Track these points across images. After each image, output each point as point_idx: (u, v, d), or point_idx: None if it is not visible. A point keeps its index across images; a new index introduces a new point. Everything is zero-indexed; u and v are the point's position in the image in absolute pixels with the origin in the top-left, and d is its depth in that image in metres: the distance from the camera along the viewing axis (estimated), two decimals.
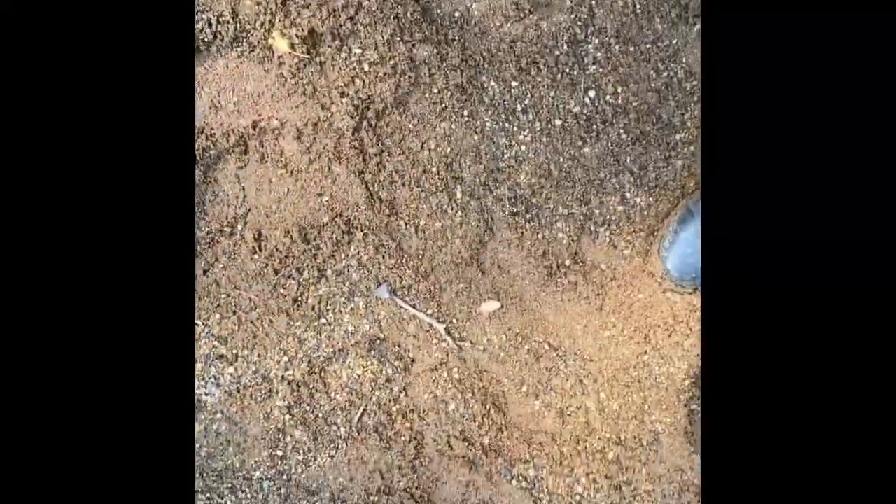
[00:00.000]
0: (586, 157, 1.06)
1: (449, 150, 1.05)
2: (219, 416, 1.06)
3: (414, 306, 1.08)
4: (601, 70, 1.04)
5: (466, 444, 1.08)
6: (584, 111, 1.04)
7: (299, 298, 1.06)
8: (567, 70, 1.03)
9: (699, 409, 1.09)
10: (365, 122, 1.03)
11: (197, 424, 1.06)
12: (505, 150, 1.06)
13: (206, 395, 1.07)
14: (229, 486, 1.06)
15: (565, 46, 1.03)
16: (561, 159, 1.06)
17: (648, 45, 1.03)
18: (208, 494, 1.06)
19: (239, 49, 1.01)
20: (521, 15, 1.02)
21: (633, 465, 1.09)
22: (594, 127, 1.05)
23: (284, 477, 1.07)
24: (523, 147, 1.05)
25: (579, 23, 1.03)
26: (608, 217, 1.07)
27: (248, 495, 1.06)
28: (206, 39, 0.99)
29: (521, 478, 1.08)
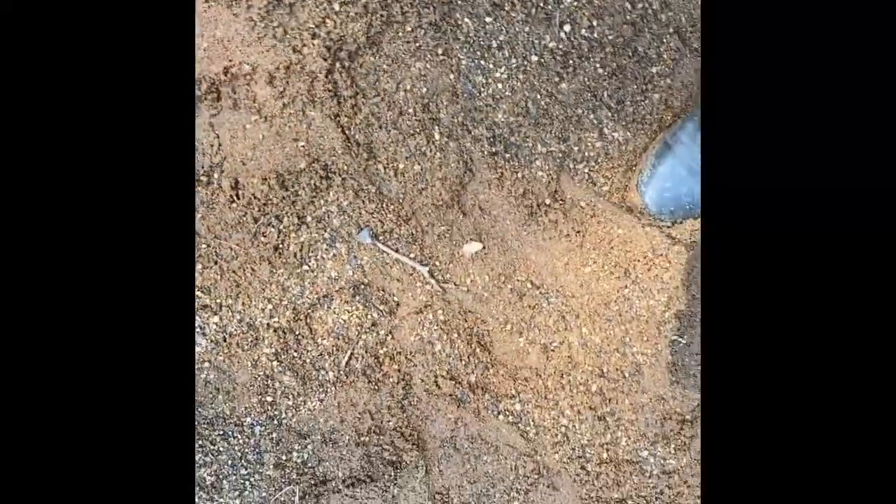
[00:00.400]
0: (563, 93, 1.05)
1: (425, 90, 1.04)
2: (206, 365, 1.07)
3: (397, 250, 1.08)
4: (576, 3, 1.02)
5: (453, 382, 1.10)
6: (560, 46, 1.03)
7: (280, 246, 1.06)
8: (541, 4, 1.02)
9: (680, 339, 1.11)
10: (338, 64, 1.02)
11: None
12: (482, 89, 1.05)
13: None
14: (221, 433, 1.08)
15: None
16: (538, 96, 1.05)
17: None
18: (200, 442, 1.07)
19: None
20: None
21: (615, 397, 1.12)
22: (570, 62, 1.04)
23: (275, 422, 1.09)
24: (500, 85, 1.05)
25: None
26: (587, 153, 1.07)
27: (241, 441, 1.08)
28: None
29: (507, 412, 1.11)
